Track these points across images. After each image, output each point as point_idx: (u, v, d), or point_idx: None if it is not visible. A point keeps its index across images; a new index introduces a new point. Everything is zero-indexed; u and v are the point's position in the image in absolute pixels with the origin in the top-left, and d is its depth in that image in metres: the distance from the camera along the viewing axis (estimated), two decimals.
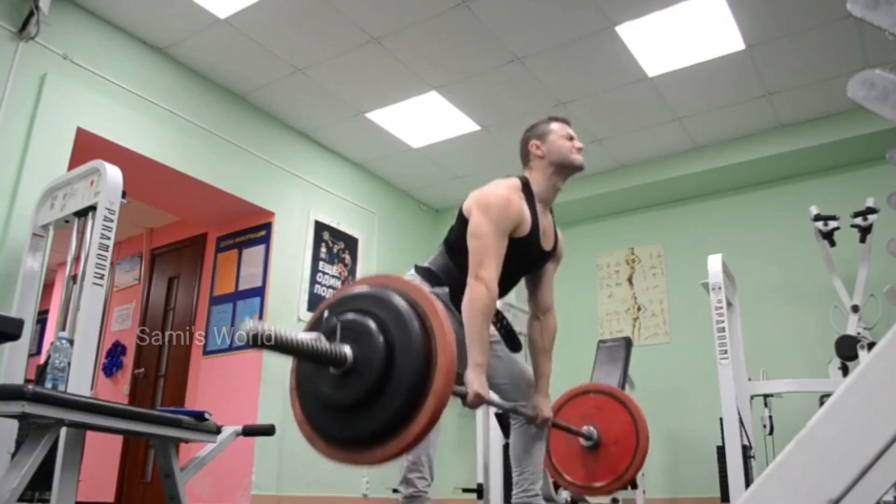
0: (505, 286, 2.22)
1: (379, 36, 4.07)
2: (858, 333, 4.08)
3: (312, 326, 1.53)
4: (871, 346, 3.91)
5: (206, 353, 4.92)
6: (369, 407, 1.42)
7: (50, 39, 3.64)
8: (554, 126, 2.31)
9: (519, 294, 2.49)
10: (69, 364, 2.52)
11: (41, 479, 2.05)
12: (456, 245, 2.16)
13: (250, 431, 2.82)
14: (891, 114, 0.85)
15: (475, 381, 1.91)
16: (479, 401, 1.92)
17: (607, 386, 2.95)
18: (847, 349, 4.02)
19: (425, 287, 1.85)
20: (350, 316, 1.48)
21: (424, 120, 4.96)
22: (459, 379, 1.81)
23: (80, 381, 2.53)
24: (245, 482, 4.27)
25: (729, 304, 3.80)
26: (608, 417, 2.67)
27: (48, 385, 2.41)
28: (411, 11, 3.86)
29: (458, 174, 5.72)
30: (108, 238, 2.84)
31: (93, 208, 2.93)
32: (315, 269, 5.07)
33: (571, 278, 5.65)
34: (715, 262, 3.72)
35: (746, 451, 3.53)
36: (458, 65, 4.33)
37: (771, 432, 3.98)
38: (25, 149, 3.49)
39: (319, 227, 5.18)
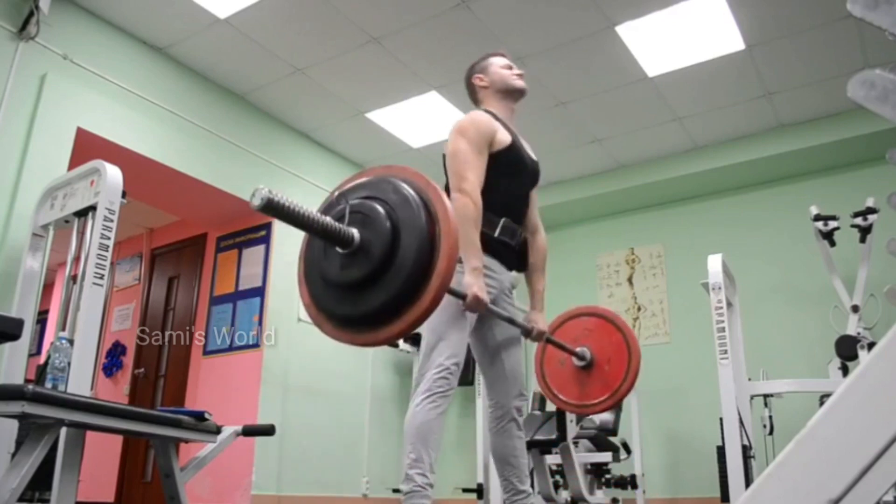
0: (513, 209, 2.28)
1: (379, 36, 4.07)
2: (858, 333, 4.09)
3: (324, 211, 1.57)
4: (871, 346, 3.91)
5: (206, 353, 4.92)
6: (375, 285, 1.46)
7: (50, 39, 3.64)
8: (492, 59, 2.45)
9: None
10: (69, 364, 2.52)
11: (41, 479, 2.04)
12: (449, 187, 2.20)
13: (250, 431, 2.82)
14: (891, 114, 0.85)
15: (474, 283, 1.97)
16: (478, 303, 1.97)
17: (598, 308, 2.94)
18: (847, 349, 4.02)
19: None
20: (358, 200, 1.53)
21: (424, 120, 4.96)
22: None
23: (80, 381, 2.53)
24: (245, 482, 4.27)
25: (729, 304, 3.80)
26: (600, 338, 2.67)
27: (48, 385, 2.41)
28: (411, 11, 3.86)
29: None
30: (108, 238, 2.83)
31: (93, 208, 2.93)
32: None
33: (571, 278, 5.66)
34: (715, 262, 3.71)
35: (746, 451, 3.52)
36: (458, 65, 4.28)
37: (771, 432, 3.98)
38: (25, 149, 3.49)
39: None
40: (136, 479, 5.23)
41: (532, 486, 2.54)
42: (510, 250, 2.25)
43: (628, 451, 4.31)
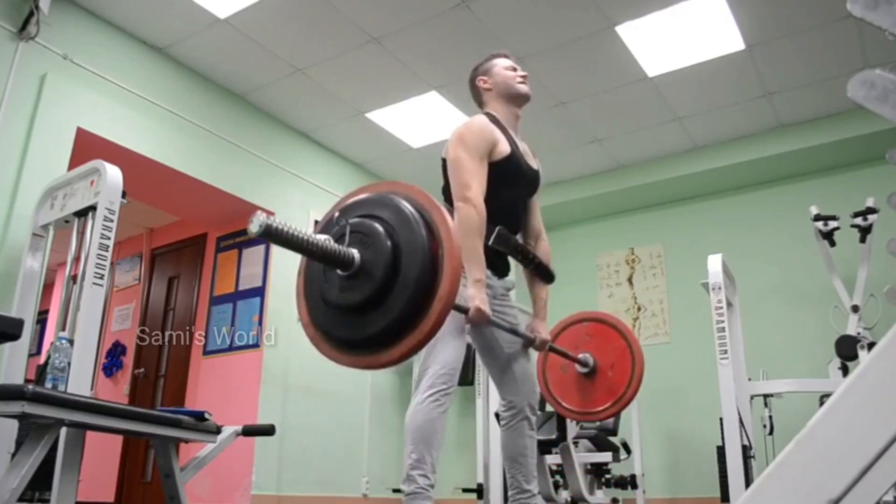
0: (511, 218, 2.26)
1: (379, 36, 4.07)
2: (858, 333, 4.09)
3: (322, 229, 1.55)
4: (871, 346, 3.91)
5: (206, 353, 4.92)
6: (375, 308, 1.42)
7: (50, 39, 3.64)
8: (496, 61, 2.43)
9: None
10: (69, 364, 2.52)
11: (41, 479, 2.04)
12: (448, 192, 2.19)
13: (250, 431, 2.82)
14: (891, 114, 0.85)
15: (476, 296, 1.95)
16: (481, 316, 1.95)
17: (599, 313, 2.93)
18: (847, 349, 4.02)
19: None
20: (358, 219, 1.49)
21: (424, 120, 4.96)
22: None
23: (80, 381, 2.52)
24: (245, 482, 4.27)
25: (729, 304, 3.80)
26: (602, 343, 2.66)
27: (48, 385, 2.41)
28: (411, 11, 3.86)
29: None
30: (108, 238, 2.83)
31: (93, 208, 2.93)
32: None
33: (571, 278, 5.66)
34: (715, 262, 3.71)
35: (746, 451, 3.52)
36: (458, 65, 4.32)
37: (771, 432, 3.98)
38: (25, 149, 3.49)
39: None
40: (136, 479, 5.23)
41: None
42: (502, 259, 2.25)
43: (628, 451, 4.31)
